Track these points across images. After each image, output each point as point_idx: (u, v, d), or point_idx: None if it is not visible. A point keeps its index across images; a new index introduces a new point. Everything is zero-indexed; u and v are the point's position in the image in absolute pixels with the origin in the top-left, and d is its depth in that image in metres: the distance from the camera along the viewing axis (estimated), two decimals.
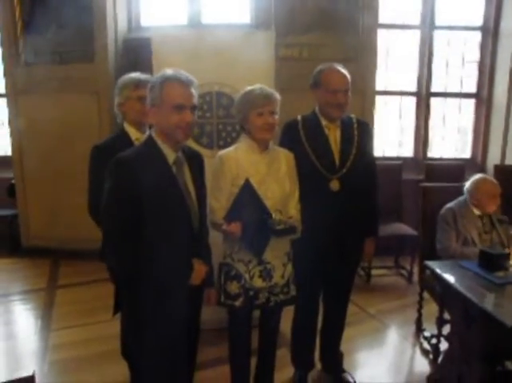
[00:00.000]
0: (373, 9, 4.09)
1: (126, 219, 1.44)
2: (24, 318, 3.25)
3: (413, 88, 4.60)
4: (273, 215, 1.76)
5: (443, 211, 2.68)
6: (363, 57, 4.12)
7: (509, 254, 2.22)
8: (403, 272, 3.98)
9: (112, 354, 2.65)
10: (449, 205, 2.68)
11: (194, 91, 1.54)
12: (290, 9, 4.06)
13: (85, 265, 3.99)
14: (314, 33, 4.12)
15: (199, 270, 1.59)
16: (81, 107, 4.02)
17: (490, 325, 1.94)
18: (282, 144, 2.10)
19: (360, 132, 2.11)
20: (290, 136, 2.11)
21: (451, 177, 4.06)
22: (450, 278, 2.16)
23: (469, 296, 1.98)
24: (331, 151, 2.07)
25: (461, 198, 2.68)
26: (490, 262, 2.17)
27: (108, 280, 3.85)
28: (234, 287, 1.86)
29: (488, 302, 1.94)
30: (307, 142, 2.07)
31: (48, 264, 4.10)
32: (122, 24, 4.25)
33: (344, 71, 2.05)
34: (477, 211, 2.60)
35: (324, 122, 2.10)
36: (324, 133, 2.09)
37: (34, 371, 1.49)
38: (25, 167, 4.26)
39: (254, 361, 2.15)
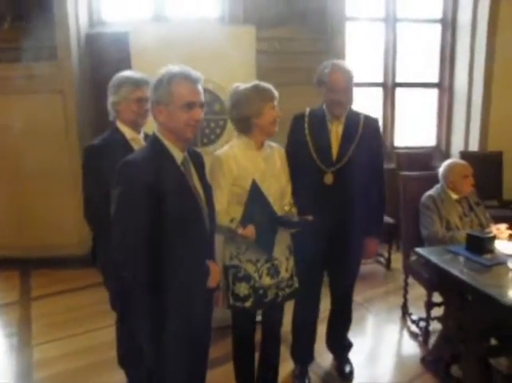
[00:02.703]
0: (340, 2, 4.14)
1: (141, 224, 1.37)
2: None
3: (380, 79, 4.71)
4: (286, 209, 1.76)
5: (423, 198, 2.78)
6: (332, 49, 4.16)
7: (494, 236, 2.34)
8: (381, 259, 4.10)
9: (102, 365, 2.56)
10: (428, 193, 2.78)
11: (201, 87, 1.49)
12: (259, 3, 4.03)
13: (59, 273, 3.83)
14: (284, 26, 4.11)
15: (216, 272, 1.57)
16: (45, 107, 3.78)
17: (484, 305, 2.04)
18: (289, 135, 2.18)
19: (365, 128, 2.13)
20: (296, 128, 2.17)
21: (420, 165, 4.22)
22: (442, 262, 2.24)
23: (463, 278, 2.07)
24: (330, 145, 2.10)
25: (438, 185, 2.79)
26: (478, 245, 2.27)
27: (87, 288, 3.70)
28: (243, 288, 1.85)
29: (481, 283, 2.01)
30: (309, 134, 2.11)
31: (17, 275, 3.85)
32: (83, 18, 4.03)
33: (347, 68, 2.06)
34: (454, 196, 2.72)
35: (328, 117, 2.12)
36: (326, 127, 2.12)
37: None
38: None
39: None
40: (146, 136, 1.98)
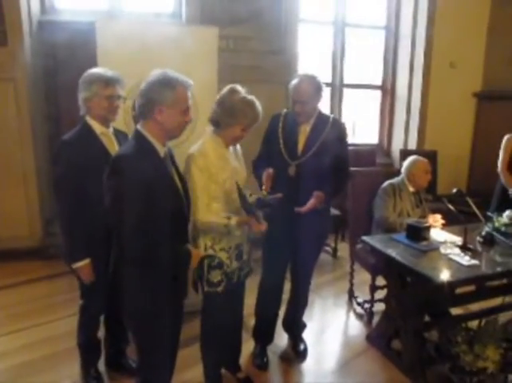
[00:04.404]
0: (294, 4, 4.35)
1: (136, 211, 1.47)
2: None
3: (328, 79, 4.99)
4: (264, 193, 1.99)
5: (384, 184, 3.09)
6: (286, 49, 4.37)
7: (429, 226, 2.66)
8: (328, 249, 4.40)
9: (63, 355, 2.60)
10: (390, 181, 3.11)
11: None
12: (215, 2, 4.13)
13: (8, 266, 3.74)
14: (239, 25, 4.24)
15: (196, 255, 1.74)
16: None
17: (421, 285, 2.34)
18: (266, 130, 2.42)
19: (332, 130, 2.35)
20: (272, 125, 2.41)
21: (364, 161, 4.55)
22: (386, 249, 2.53)
23: (403, 262, 2.36)
24: (296, 141, 2.34)
25: (399, 177, 3.12)
26: (416, 234, 2.59)
27: (40, 280, 3.66)
28: (216, 275, 2.01)
29: (419, 266, 2.32)
30: (281, 131, 2.36)
31: None
32: (34, 3, 3.91)
33: (312, 82, 2.23)
34: (411, 188, 3.06)
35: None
36: (295, 125, 2.34)
37: None
38: None
39: None
40: (116, 131, 2.07)
